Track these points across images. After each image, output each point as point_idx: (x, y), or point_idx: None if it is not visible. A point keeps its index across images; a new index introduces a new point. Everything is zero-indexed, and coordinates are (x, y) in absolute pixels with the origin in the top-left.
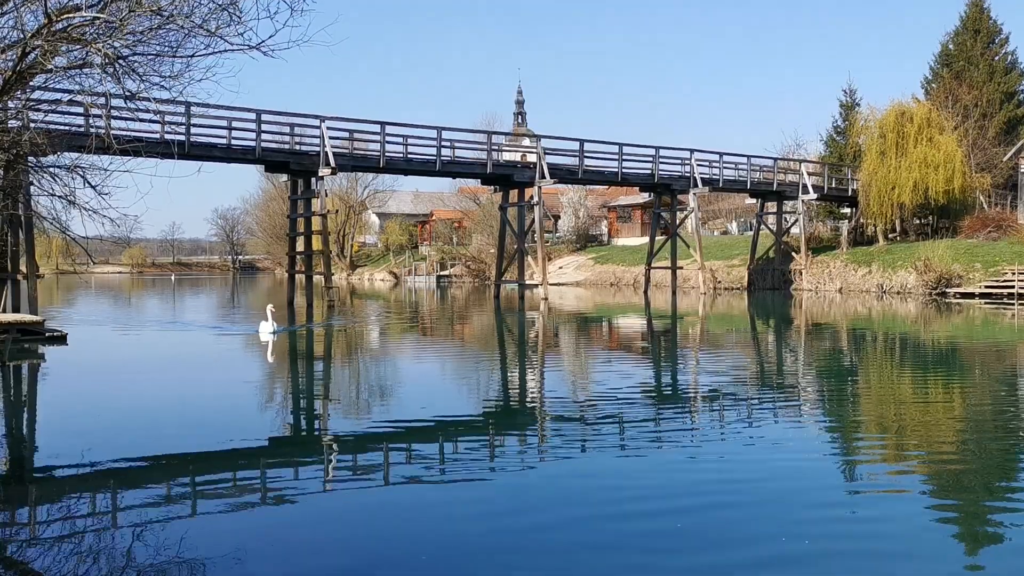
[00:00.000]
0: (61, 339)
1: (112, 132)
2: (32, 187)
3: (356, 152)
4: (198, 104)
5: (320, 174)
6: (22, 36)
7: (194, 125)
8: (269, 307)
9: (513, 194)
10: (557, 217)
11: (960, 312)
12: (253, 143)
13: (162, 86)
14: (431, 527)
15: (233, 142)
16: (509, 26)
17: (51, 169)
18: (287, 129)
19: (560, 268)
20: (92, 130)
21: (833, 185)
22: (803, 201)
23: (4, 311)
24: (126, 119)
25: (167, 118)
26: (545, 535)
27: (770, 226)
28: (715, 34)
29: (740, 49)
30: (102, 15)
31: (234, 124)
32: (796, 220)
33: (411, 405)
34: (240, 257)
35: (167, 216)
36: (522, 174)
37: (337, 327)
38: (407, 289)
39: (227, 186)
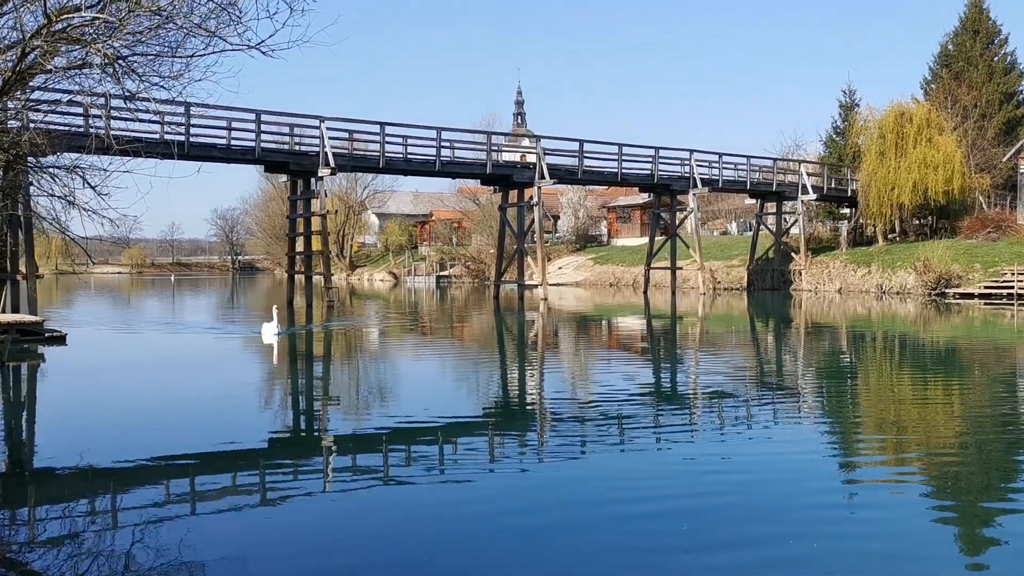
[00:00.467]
0: (60, 339)
1: (112, 132)
2: (32, 187)
3: (356, 152)
4: (198, 104)
5: (320, 174)
6: (22, 36)
7: (194, 125)
8: (275, 307)
9: (513, 194)
10: (557, 217)
11: (959, 312)
12: (253, 143)
13: (162, 86)
14: (431, 528)
15: (233, 142)
16: (509, 26)
17: (51, 169)
18: (287, 129)
19: (560, 268)
20: (92, 130)
21: (832, 186)
22: (802, 201)
23: (4, 311)
24: (126, 119)
25: (167, 118)
26: (546, 536)
27: (769, 226)
28: (715, 34)
29: (740, 49)
30: (102, 15)
31: (234, 124)
32: (795, 220)
33: (411, 405)
34: (240, 257)
35: (167, 216)
36: (522, 174)
37: (341, 328)
38: (406, 289)
39: (227, 186)
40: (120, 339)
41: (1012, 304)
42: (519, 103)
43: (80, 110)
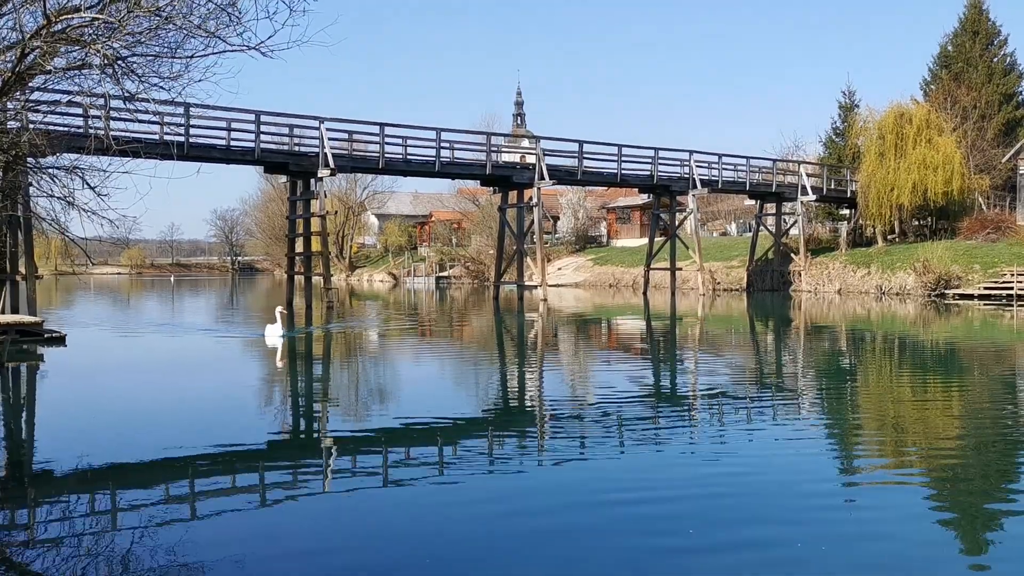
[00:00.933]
0: (60, 340)
1: (111, 133)
2: (31, 188)
3: (355, 153)
4: (197, 105)
5: (319, 175)
6: (21, 37)
7: (193, 126)
8: (279, 309)
9: (512, 195)
10: (556, 218)
11: (959, 313)
12: (252, 144)
13: (161, 87)
14: (431, 528)
15: (232, 143)
16: (509, 26)
17: (50, 170)
18: (286, 130)
19: (559, 269)
20: (91, 131)
21: (832, 186)
22: (802, 202)
23: (3, 312)
24: (125, 120)
25: (166, 119)
26: (546, 536)
27: (769, 227)
28: (715, 34)
29: (740, 49)
30: (101, 16)
31: (233, 125)
32: (795, 221)
33: (411, 406)
34: (239, 258)
35: (166, 217)
36: (521, 175)
37: (346, 329)
38: (406, 290)
39: (226, 187)
40: (119, 340)
41: (1011, 305)
42: (519, 103)
43: (79, 111)
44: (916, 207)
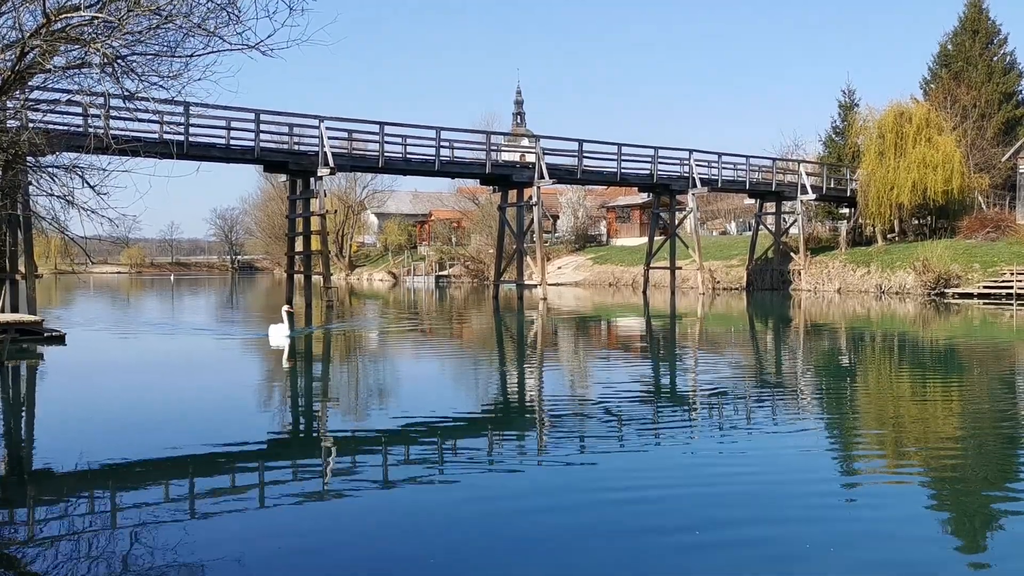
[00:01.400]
0: (60, 339)
1: (111, 132)
2: (31, 187)
3: (355, 152)
4: (197, 104)
5: (319, 174)
6: (21, 36)
7: (193, 125)
8: (285, 308)
9: (512, 194)
10: (556, 217)
11: (958, 312)
12: (252, 143)
13: (161, 86)
14: (431, 528)
15: (232, 142)
16: (508, 26)
17: (50, 169)
18: (286, 129)
19: (559, 268)
20: (91, 130)
21: (832, 185)
22: (802, 201)
23: (3, 311)
24: (125, 119)
25: (166, 118)
26: (546, 535)
27: (769, 226)
28: (715, 34)
29: (739, 49)
30: (101, 15)
31: (233, 124)
32: (795, 220)
33: (411, 406)
34: (239, 257)
35: (166, 216)
36: (521, 174)
37: (350, 329)
38: (406, 289)
39: (226, 186)
40: (119, 339)
41: (1011, 304)
42: (518, 103)
43: (79, 109)
44: (916, 206)
